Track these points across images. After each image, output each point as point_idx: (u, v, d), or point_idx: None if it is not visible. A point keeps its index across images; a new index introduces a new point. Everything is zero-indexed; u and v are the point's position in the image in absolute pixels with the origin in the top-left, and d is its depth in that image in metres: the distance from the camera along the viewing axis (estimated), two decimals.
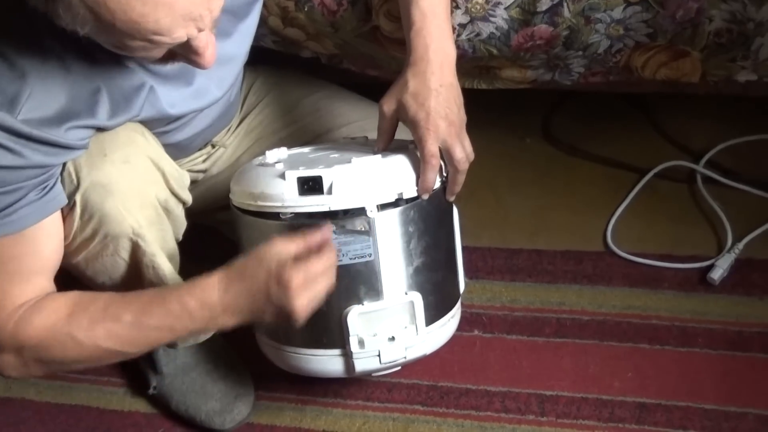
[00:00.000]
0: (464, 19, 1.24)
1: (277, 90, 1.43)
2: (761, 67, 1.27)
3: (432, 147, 1.07)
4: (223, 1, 0.90)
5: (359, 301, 1.09)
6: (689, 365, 1.31)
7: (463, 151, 1.08)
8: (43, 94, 0.95)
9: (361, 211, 1.05)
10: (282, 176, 1.06)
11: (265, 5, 1.31)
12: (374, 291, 1.09)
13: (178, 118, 1.15)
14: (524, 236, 1.57)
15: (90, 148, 1.03)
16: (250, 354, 1.34)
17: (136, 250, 1.13)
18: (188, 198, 1.20)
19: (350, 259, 1.07)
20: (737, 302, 1.38)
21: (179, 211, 1.19)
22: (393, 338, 1.10)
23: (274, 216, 1.08)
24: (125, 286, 1.16)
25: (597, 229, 1.54)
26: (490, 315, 1.44)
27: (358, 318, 1.08)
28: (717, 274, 1.40)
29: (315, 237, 1.01)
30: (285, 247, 0.99)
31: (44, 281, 1.07)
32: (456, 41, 1.21)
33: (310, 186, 1.05)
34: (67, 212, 1.07)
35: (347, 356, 1.11)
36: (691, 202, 1.56)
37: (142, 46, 0.88)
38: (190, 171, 1.32)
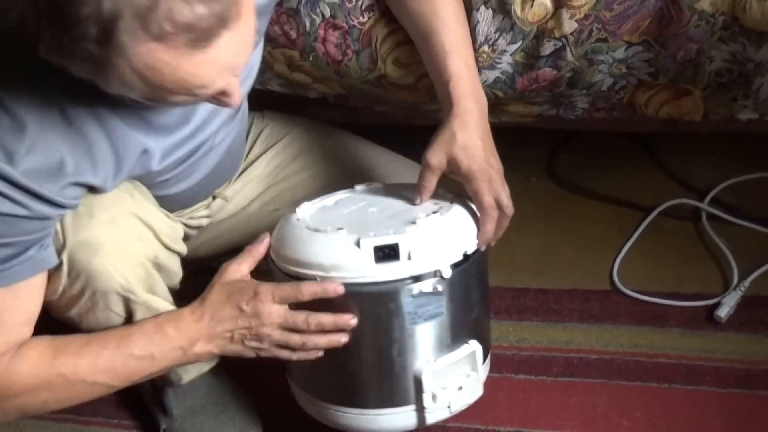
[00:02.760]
0: None
1: (288, 137, 1.44)
2: (762, 106, 1.28)
3: (490, 198, 1.08)
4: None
5: (430, 357, 1.08)
6: (697, 403, 1.31)
7: (509, 197, 1.11)
8: (42, 146, 0.95)
9: (434, 273, 1.05)
10: (357, 244, 1.03)
11: (270, 53, 1.33)
12: (444, 345, 1.09)
13: (166, 171, 1.15)
14: (530, 275, 1.57)
15: (77, 207, 1.04)
16: (260, 395, 1.35)
17: (127, 303, 1.13)
18: (183, 249, 1.22)
19: (424, 320, 1.06)
20: (744, 340, 1.38)
21: (173, 263, 1.20)
22: (461, 388, 1.10)
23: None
24: None
25: (603, 268, 1.54)
26: (497, 354, 1.43)
27: (432, 375, 1.08)
28: (723, 312, 1.40)
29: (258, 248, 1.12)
30: (235, 271, 1.10)
31: (26, 331, 1.06)
32: None
33: (386, 253, 1.03)
34: (53, 269, 1.07)
35: (419, 411, 1.10)
36: (697, 240, 1.57)
37: (183, 99, 0.91)
38: (191, 218, 1.34)
